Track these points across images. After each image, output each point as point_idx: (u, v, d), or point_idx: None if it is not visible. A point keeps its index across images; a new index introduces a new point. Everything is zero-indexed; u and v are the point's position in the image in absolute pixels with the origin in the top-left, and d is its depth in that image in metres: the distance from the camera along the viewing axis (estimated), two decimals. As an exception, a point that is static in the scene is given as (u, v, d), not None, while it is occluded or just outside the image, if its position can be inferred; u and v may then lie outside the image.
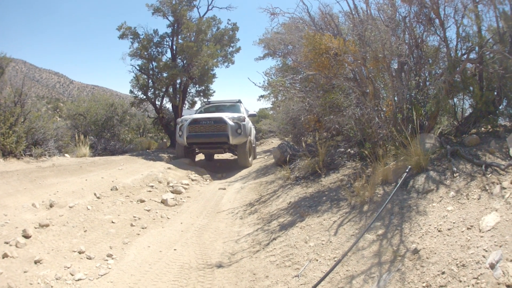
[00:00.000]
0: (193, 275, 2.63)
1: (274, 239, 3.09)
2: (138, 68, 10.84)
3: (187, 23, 9.78)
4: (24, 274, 2.62)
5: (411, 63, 3.46)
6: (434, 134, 3.38)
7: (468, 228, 1.88)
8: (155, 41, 10.71)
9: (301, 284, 2.25)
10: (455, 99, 3.63)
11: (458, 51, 3.34)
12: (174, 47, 10.63)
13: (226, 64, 11.62)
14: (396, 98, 3.66)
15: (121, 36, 10.46)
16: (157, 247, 3.23)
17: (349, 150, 4.65)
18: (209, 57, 9.55)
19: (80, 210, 3.89)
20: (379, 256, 2.10)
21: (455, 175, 2.52)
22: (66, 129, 8.71)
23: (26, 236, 3.16)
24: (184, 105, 11.22)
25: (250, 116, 9.20)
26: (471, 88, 3.21)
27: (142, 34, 10.54)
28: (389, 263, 2.00)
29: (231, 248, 3.14)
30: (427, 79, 3.65)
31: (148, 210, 4.25)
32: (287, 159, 5.41)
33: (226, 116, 7.53)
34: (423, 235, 2.05)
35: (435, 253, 1.82)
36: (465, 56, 3.32)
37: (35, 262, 2.81)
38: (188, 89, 11.44)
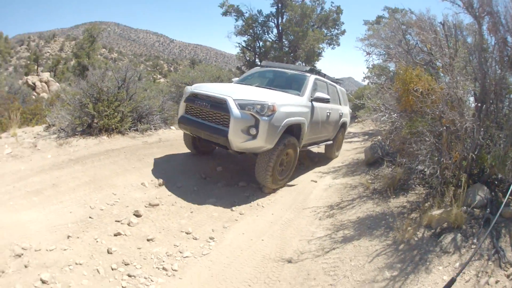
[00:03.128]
0: (269, 266, 3.35)
1: (334, 249, 3.88)
2: (244, 45, 11.32)
3: (291, 5, 9.98)
4: (138, 250, 2.88)
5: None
6: (487, 188, 3.51)
7: (437, 306, 2.54)
8: (259, 21, 11.08)
9: (332, 293, 3.34)
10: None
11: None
12: (280, 27, 10.83)
13: (331, 46, 11.51)
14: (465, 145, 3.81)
15: (224, 14, 11.31)
16: (249, 235, 3.84)
17: (425, 169, 4.90)
18: (314, 41, 9.71)
19: (187, 191, 4.25)
20: (383, 293, 2.97)
21: (472, 246, 2.95)
22: (172, 103, 8.29)
23: (138, 215, 3.36)
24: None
25: (317, 100, 5.71)
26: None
27: (246, 12, 11.00)
28: (385, 303, 2.90)
29: (302, 247, 3.86)
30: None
31: (247, 196, 4.88)
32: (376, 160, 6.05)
33: (235, 98, 4.60)
34: (413, 291, 2.82)
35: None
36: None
37: (148, 240, 3.07)
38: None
